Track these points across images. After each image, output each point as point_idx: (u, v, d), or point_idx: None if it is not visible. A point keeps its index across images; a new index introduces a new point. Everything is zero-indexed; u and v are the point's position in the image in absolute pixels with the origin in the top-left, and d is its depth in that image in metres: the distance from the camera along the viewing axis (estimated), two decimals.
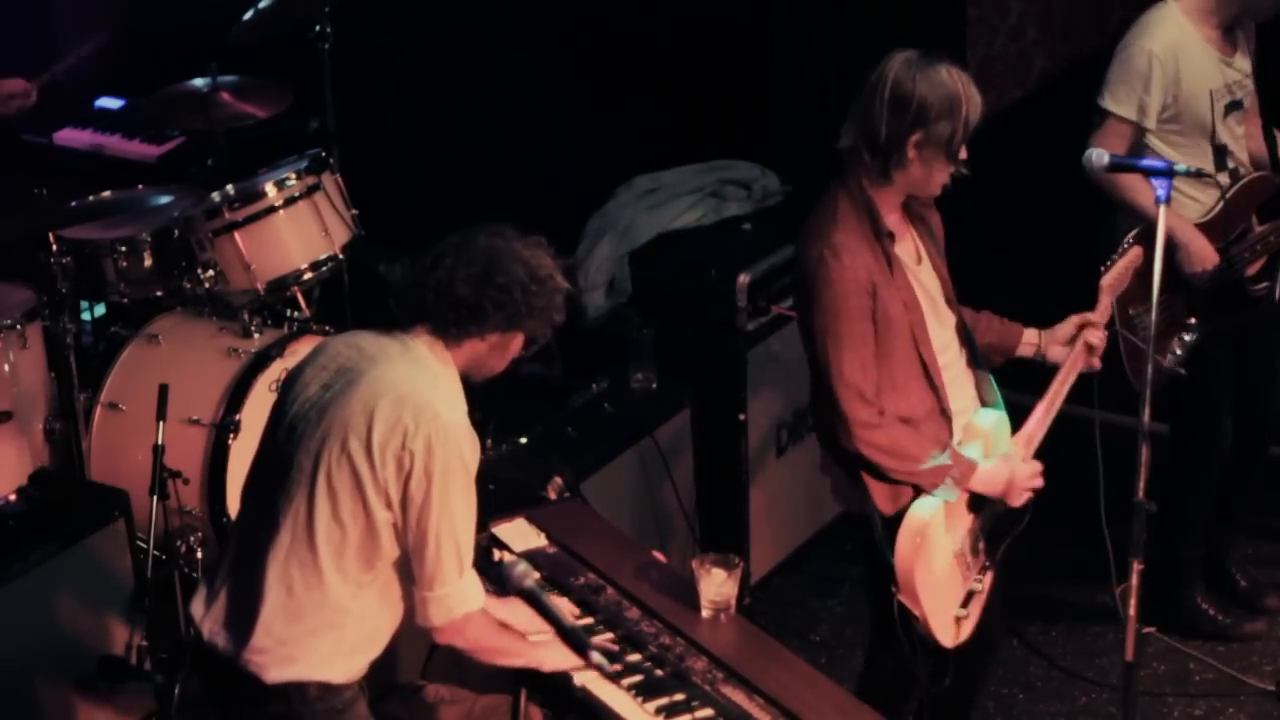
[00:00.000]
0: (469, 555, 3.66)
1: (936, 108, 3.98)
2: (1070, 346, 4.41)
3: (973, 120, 4.03)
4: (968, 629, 4.26)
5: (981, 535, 4.28)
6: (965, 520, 4.23)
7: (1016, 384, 4.46)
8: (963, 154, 4.06)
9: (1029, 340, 4.45)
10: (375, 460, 3.57)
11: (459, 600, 3.65)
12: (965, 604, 4.24)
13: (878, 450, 4.07)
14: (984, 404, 4.33)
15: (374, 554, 3.63)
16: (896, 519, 4.12)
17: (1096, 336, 4.41)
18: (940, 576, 4.16)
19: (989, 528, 4.29)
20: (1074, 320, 4.42)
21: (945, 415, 4.19)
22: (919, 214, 4.25)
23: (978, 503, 4.24)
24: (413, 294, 3.68)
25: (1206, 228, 5.04)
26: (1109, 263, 4.46)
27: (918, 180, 4.08)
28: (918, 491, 4.13)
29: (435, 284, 3.65)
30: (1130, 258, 4.48)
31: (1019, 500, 4.25)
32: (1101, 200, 5.02)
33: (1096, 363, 4.44)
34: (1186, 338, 5.06)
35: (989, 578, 4.29)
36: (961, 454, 4.17)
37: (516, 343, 3.74)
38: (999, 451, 4.27)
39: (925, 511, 4.11)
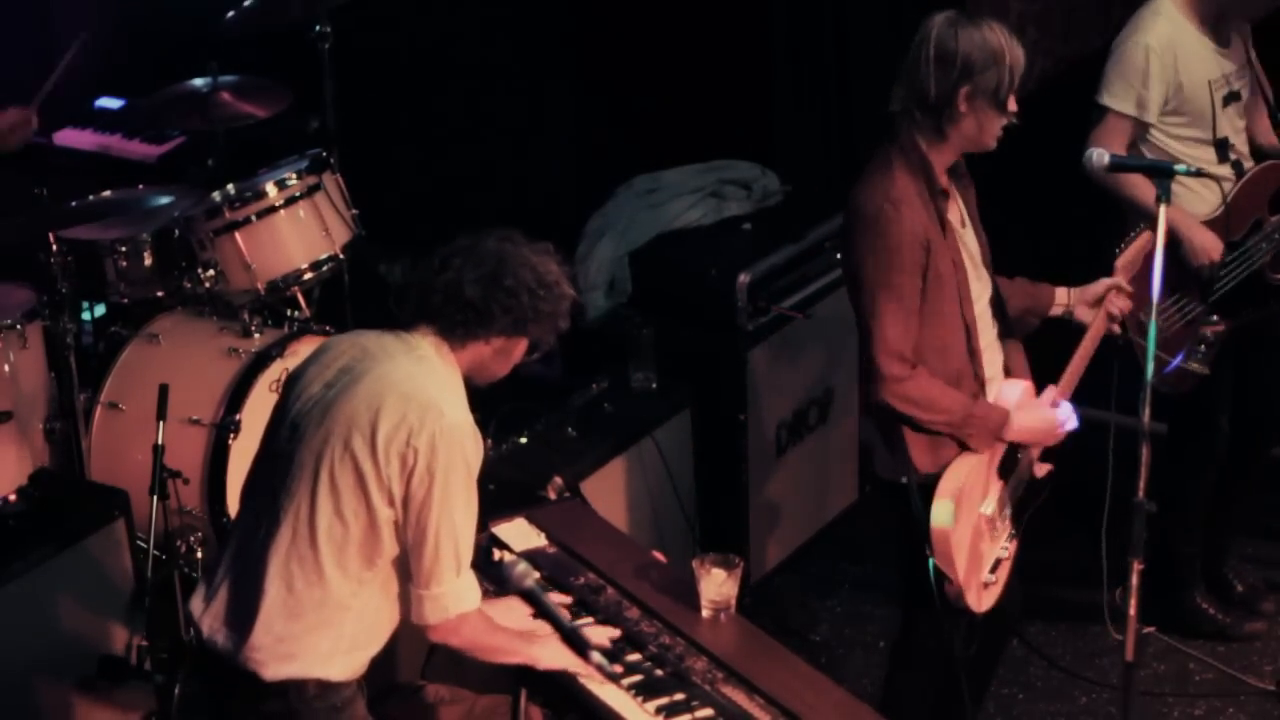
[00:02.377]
0: (467, 555, 3.66)
1: (981, 60, 4.08)
2: (1097, 309, 4.47)
3: (1018, 70, 4.13)
4: (994, 595, 4.34)
5: (1010, 502, 4.36)
6: (995, 485, 4.33)
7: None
8: (1012, 105, 4.14)
9: (1060, 300, 4.52)
10: (379, 457, 3.57)
11: (454, 600, 3.65)
12: (993, 570, 4.31)
13: (907, 401, 4.16)
14: (1010, 374, 4.41)
15: (375, 551, 3.64)
16: (932, 481, 4.20)
17: (1119, 304, 4.47)
18: (972, 541, 4.25)
19: (1015, 495, 4.37)
20: (1105, 282, 4.48)
21: (979, 380, 4.28)
22: (960, 175, 4.33)
23: (1006, 468, 4.32)
24: (419, 294, 3.69)
25: (1215, 222, 5.04)
26: (1121, 246, 4.50)
27: (971, 134, 4.17)
28: (958, 450, 4.21)
29: (443, 285, 3.65)
30: (1143, 241, 4.51)
31: (1050, 442, 4.34)
32: (1108, 200, 5.02)
33: (1117, 328, 4.51)
34: (1209, 335, 5.05)
35: (1014, 546, 4.38)
36: (992, 405, 4.26)
37: (520, 348, 3.75)
38: None
39: (959, 477, 4.21)
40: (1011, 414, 4.28)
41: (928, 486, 4.22)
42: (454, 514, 3.60)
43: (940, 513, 4.19)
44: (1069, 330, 4.52)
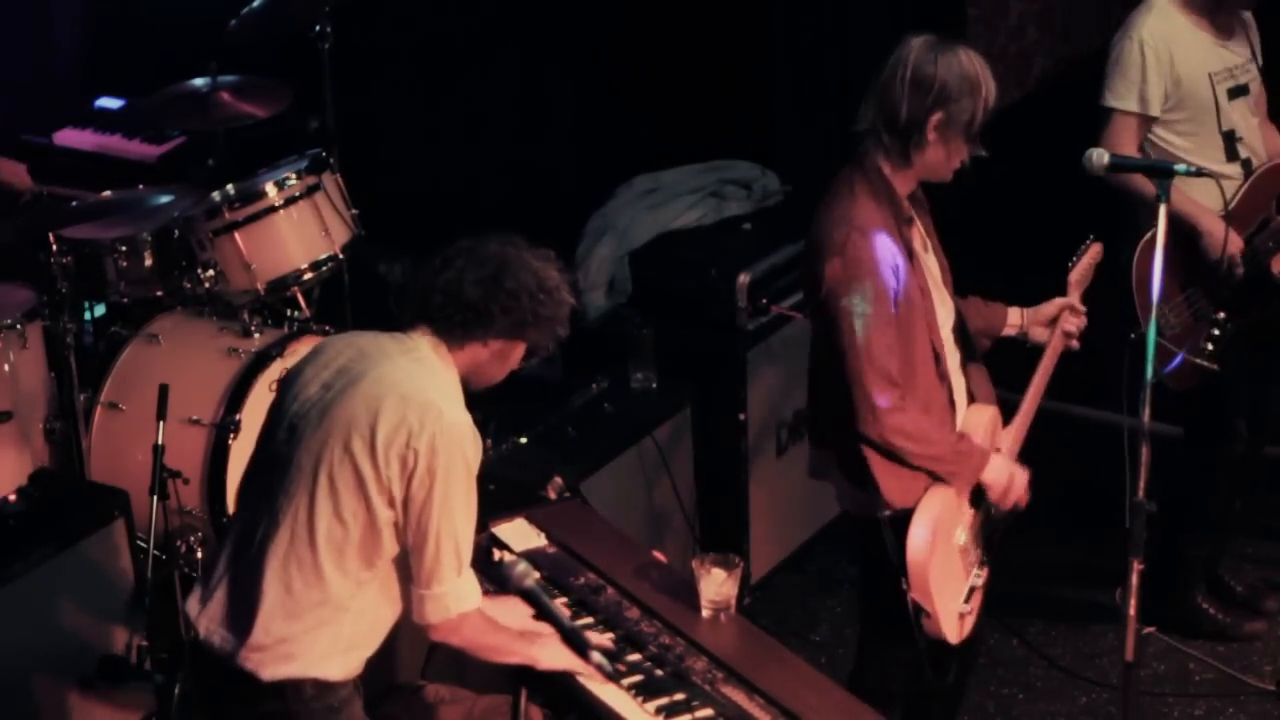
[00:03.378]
0: (468, 554, 3.66)
1: (957, 88, 4.02)
2: (1052, 329, 4.44)
3: (990, 102, 4.07)
4: (970, 624, 4.28)
5: (982, 530, 4.30)
6: (968, 515, 4.26)
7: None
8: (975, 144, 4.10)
9: (1012, 320, 4.48)
10: (379, 458, 3.57)
11: (455, 599, 3.65)
12: (968, 599, 4.26)
13: (902, 435, 4.07)
14: (975, 399, 4.34)
15: (375, 552, 3.64)
16: (905, 515, 4.13)
17: (1073, 323, 4.44)
18: (948, 572, 4.19)
19: (986, 522, 4.31)
20: (1057, 302, 4.45)
21: (952, 405, 4.23)
22: (919, 201, 4.27)
23: (977, 497, 4.26)
24: (419, 294, 3.69)
25: (1225, 219, 5.03)
26: (1074, 260, 4.50)
27: (936, 162, 4.10)
28: (928, 481, 4.15)
29: (444, 285, 3.66)
30: (1092, 254, 4.53)
31: (1007, 501, 4.27)
32: (1108, 199, 5.02)
33: (1075, 344, 4.47)
34: (1217, 333, 5.05)
35: (986, 573, 4.31)
36: (976, 443, 4.21)
37: (518, 352, 3.76)
38: (994, 446, 4.30)
39: (932, 504, 4.14)
40: (992, 456, 4.22)
41: (900, 519, 4.14)
42: (454, 514, 3.60)
43: (917, 546, 4.11)
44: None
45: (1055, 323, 4.43)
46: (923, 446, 4.09)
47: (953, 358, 4.26)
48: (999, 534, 4.34)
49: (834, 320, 4.08)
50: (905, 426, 4.07)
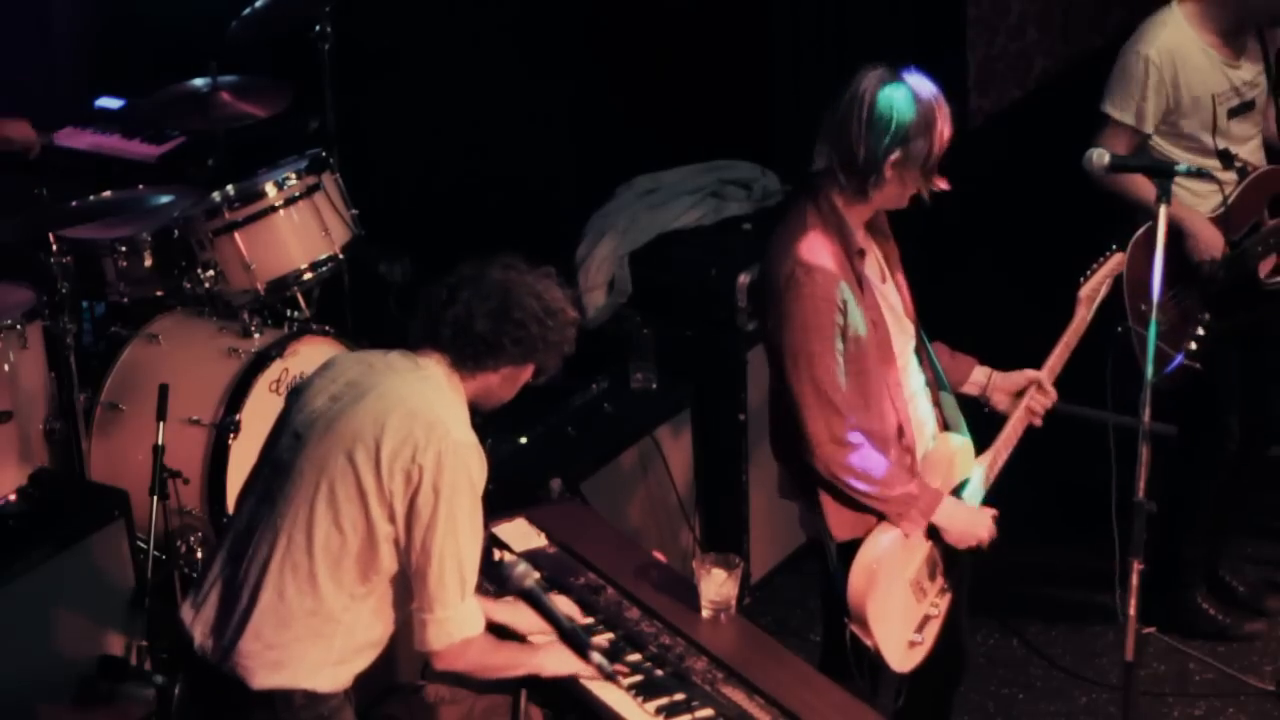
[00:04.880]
0: (472, 578, 3.65)
1: (915, 127, 3.97)
2: (1017, 400, 4.35)
3: (946, 135, 4.02)
4: (921, 654, 4.20)
5: (940, 561, 4.24)
6: (922, 548, 4.19)
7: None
8: (938, 180, 4.04)
9: (976, 379, 4.40)
10: (383, 472, 3.57)
11: (459, 625, 3.63)
12: (920, 629, 4.19)
13: (847, 471, 4.02)
14: (945, 427, 4.28)
15: (371, 566, 3.63)
16: (851, 547, 4.09)
17: (1040, 402, 4.34)
18: (895, 607, 4.12)
19: (946, 553, 4.24)
20: (1027, 374, 4.36)
21: (906, 438, 4.15)
22: (879, 228, 4.23)
23: (935, 530, 4.19)
24: (427, 323, 3.71)
25: (1216, 222, 5.03)
26: (1089, 272, 4.46)
27: (892, 196, 4.07)
28: (878, 519, 4.09)
29: (453, 319, 3.67)
30: (1111, 265, 4.47)
31: (964, 544, 4.20)
32: (1108, 200, 5.01)
33: (1038, 422, 4.37)
34: (1201, 333, 5.05)
35: (946, 600, 4.25)
36: (928, 485, 4.14)
37: (527, 373, 3.78)
38: (958, 477, 4.23)
39: (879, 546, 4.08)
40: (944, 500, 4.14)
41: (848, 547, 4.09)
42: (459, 535, 3.59)
43: (855, 585, 4.05)
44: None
45: (1021, 395, 4.35)
46: (867, 485, 4.04)
47: (912, 382, 4.20)
48: (964, 559, 4.26)
49: (779, 351, 4.06)
50: (851, 463, 4.02)
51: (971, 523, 4.19)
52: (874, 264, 4.18)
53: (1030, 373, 4.35)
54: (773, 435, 4.25)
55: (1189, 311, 5.05)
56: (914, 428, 4.18)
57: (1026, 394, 4.34)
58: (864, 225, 4.14)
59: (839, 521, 4.10)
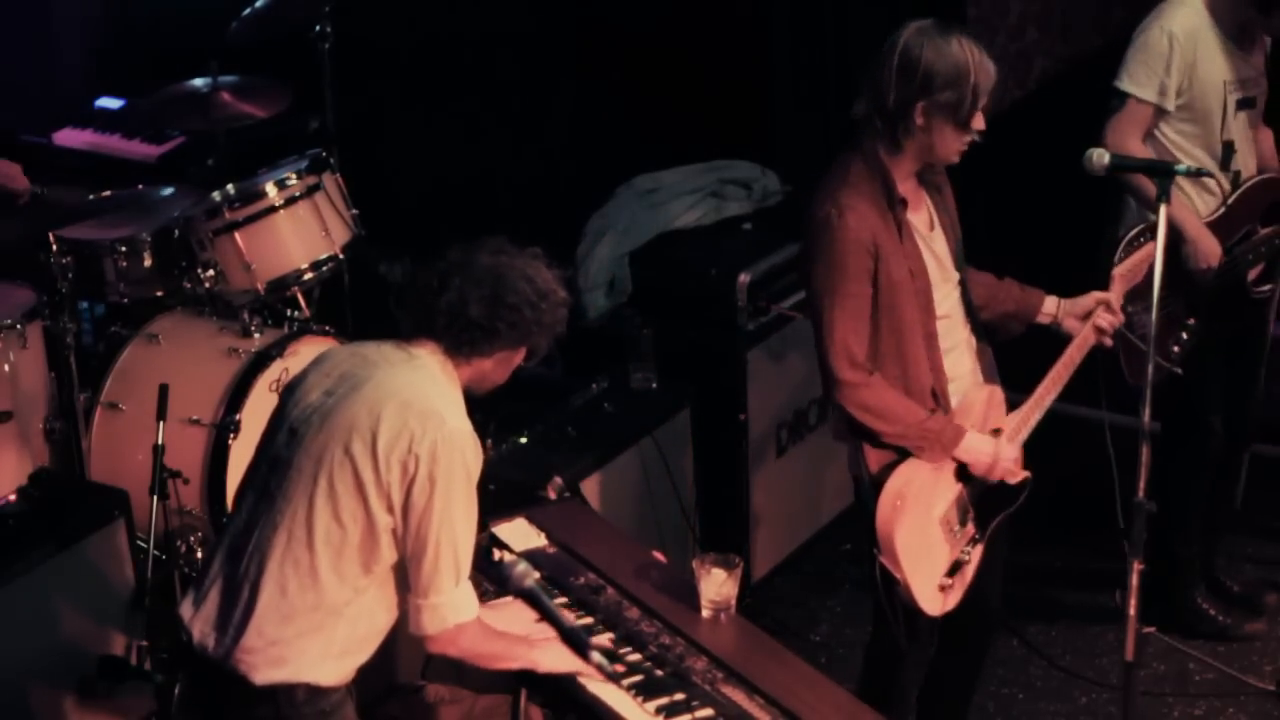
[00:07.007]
0: (467, 564, 3.65)
1: (943, 76, 4.03)
2: (1085, 322, 4.45)
3: (983, 90, 4.08)
4: (953, 599, 4.27)
5: (971, 506, 4.30)
6: (952, 488, 4.27)
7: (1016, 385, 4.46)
8: (978, 123, 4.10)
9: (1048, 309, 4.49)
10: (380, 463, 3.57)
11: (453, 610, 3.64)
12: (951, 573, 4.25)
13: (864, 410, 4.14)
14: (984, 378, 4.36)
15: (372, 557, 3.63)
16: (881, 480, 4.18)
17: (1108, 319, 4.45)
18: (923, 541, 4.20)
19: (978, 500, 4.31)
20: (1094, 296, 4.46)
21: (940, 385, 4.24)
22: (934, 183, 4.29)
23: (966, 472, 4.27)
24: (420, 312, 3.70)
25: (1210, 227, 5.04)
26: (1121, 255, 4.50)
27: (927, 147, 4.12)
28: (907, 454, 4.18)
29: (446, 307, 3.67)
30: (1145, 253, 4.51)
31: (992, 477, 4.27)
32: (1108, 199, 5.01)
33: (1108, 341, 4.48)
34: (1185, 337, 5.06)
35: (978, 551, 4.31)
36: (950, 420, 4.21)
37: (519, 356, 3.79)
38: (990, 426, 4.31)
39: (907, 475, 4.17)
40: (967, 433, 4.23)
41: (881, 484, 4.19)
42: (454, 523, 3.60)
43: (883, 513, 4.15)
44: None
45: (1090, 317, 4.45)
46: (885, 423, 4.15)
47: (952, 336, 4.27)
48: (1002, 515, 4.33)
49: (810, 292, 4.18)
50: (868, 402, 4.14)
51: (995, 455, 4.25)
52: (923, 215, 4.25)
53: (1097, 294, 4.46)
54: (823, 377, 4.32)
55: (1175, 315, 5.05)
56: (950, 380, 4.26)
57: (1094, 314, 4.43)
58: (913, 177, 4.21)
59: (873, 455, 4.21)
